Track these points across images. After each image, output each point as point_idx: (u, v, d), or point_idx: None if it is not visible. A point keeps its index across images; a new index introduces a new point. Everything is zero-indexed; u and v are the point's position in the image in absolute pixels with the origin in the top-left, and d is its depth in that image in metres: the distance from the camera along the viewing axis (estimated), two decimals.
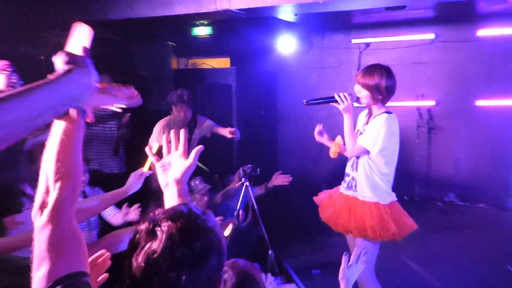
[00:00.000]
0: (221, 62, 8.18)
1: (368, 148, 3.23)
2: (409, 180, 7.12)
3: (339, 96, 3.30)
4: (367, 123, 3.41)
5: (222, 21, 6.27)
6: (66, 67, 1.15)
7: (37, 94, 1.03)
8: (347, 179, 3.50)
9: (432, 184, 7.29)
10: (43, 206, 1.15)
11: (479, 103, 6.75)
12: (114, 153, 5.23)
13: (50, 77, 1.10)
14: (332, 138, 7.19)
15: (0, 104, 0.96)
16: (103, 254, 1.83)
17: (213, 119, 6.65)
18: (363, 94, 3.27)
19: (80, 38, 1.29)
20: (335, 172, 7.18)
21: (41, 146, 3.61)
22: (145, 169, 2.97)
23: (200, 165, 6.09)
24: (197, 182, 4.81)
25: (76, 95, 1.15)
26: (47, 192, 1.16)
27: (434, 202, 7.08)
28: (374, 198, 3.30)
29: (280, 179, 5.35)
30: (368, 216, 3.26)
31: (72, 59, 1.18)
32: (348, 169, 3.52)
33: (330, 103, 3.36)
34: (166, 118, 5.18)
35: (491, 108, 6.74)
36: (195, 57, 7.98)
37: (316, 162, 7.59)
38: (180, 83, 6.64)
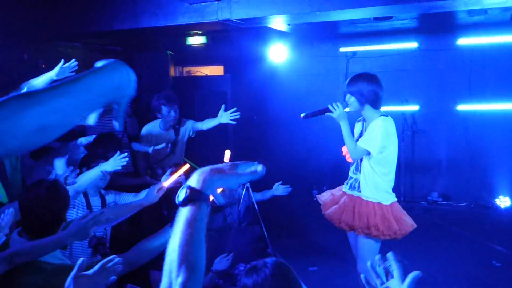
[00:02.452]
0: (214, 70, 8.37)
1: (368, 148, 3.42)
2: (395, 181, 7.36)
3: (331, 106, 3.48)
4: (365, 129, 3.62)
5: (216, 30, 6.49)
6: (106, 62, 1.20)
7: (86, 79, 1.07)
8: (349, 181, 3.66)
9: (416, 184, 7.61)
10: None
11: (461, 107, 7.13)
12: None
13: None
14: (320, 143, 7.49)
15: (51, 91, 1.02)
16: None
17: None
18: (351, 100, 3.48)
19: None
20: (324, 173, 7.49)
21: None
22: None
23: (196, 167, 6.27)
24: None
25: (118, 82, 1.17)
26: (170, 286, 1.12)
27: (418, 202, 7.39)
28: (377, 198, 3.49)
29: (280, 189, 5.41)
30: (372, 215, 3.44)
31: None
32: (351, 173, 3.69)
33: (325, 113, 3.52)
34: (152, 123, 5.24)
35: (471, 112, 7.12)
36: (189, 65, 8.15)
37: (306, 164, 7.82)
38: (178, 90, 6.84)
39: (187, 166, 3.28)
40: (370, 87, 3.44)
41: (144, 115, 5.73)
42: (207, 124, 5.07)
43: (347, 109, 3.54)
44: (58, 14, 5.60)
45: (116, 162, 3.53)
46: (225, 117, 4.83)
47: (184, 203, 1.17)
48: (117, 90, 1.18)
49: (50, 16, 5.60)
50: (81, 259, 1.78)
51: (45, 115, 0.97)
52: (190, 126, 5.25)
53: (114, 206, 3.52)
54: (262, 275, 1.80)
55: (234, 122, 4.88)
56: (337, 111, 3.44)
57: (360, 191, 3.54)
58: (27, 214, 2.32)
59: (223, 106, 4.85)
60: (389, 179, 3.55)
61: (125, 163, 3.56)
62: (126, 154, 3.63)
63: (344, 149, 3.78)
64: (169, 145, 5.19)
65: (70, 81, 1.06)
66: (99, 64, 1.18)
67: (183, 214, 1.17)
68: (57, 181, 2.43)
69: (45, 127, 0.98)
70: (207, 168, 1.24)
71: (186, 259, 1.09)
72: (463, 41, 6.99)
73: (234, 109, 4.83)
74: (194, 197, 1.17)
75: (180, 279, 1.06)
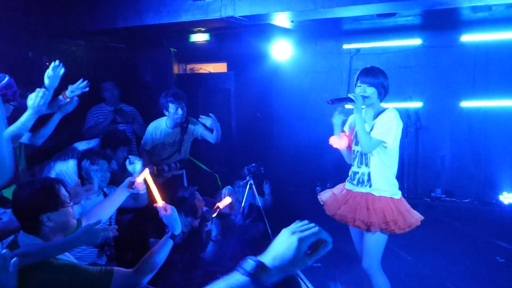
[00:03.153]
0: (217, 67, 8.40)
1: (385, 140, 3.39)
2: (398, 177, 7.31)
3: (354, 96, 3.41)
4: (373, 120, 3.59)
5: (220, 27, 6.50)
6: None
7: None
8: (356, 176, 3.62)
9: (420, 181, 7.62)
10: None
11: (464, 104, 7.13)
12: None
13: None
14: (323, 139, 7.46)
15: None
16: None
17: None
18: (370, 91, 3.43)
19: None
20: (327, 170, 7.50)
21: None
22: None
23: (202, 166, 6.30)
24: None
25: None
26: None
27: (422, 198, 7.41)
28: (389, 192, 3.49)
29: None
30: (388, 210, 3.42)
31: None
32: (355, 168, 3.65)
33: (348, 102, 3.47)
34: (158, 120, 5.19)
35: (475, 108, 7.12)
36: (193, 63, 8.17)
37: (310, 160, 7.83)
38: (182, 88, 6.86)
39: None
40: (387, 82, 3.48)
41: (149, 112, 5.76)
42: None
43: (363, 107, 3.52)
44: (62, 11, 5.61)
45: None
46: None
47: (246, 274, 1.16)
48: None
49: (54, 13, 5.61)
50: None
51: None
52: (200, 130, 5.26)
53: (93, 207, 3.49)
54: None
55: None
56: (358, 102, 3.42)
57: (371, 186, 3.52)
58: (14, 210, 2.34)
59: None
60: (394, 171, 3.56)
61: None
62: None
63: (332, 139, 3.77)
64: (176, 143, 5.20)
65: None
66: None
67: (236, 281, 1.16)
68: (49, 181, 2.40)
69: None
70: (287, 256, 1.21)
71: None
72: (467, 38, 6.97)
73: None
74: (254, 282, 1.15)
75: None
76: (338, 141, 3.76)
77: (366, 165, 3.54)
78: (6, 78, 3.47)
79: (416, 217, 3.55)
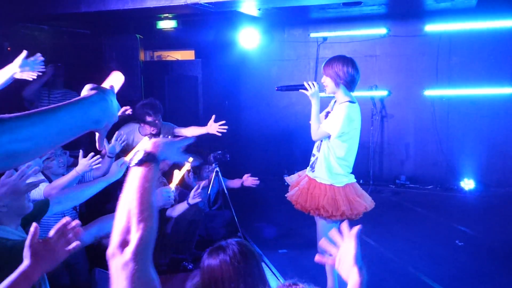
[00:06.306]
0: (185, 55, 8.33)
1: (328, 131, 3.50)
2: (365, 165, 7.56)
3: (308, 84, 3.51)
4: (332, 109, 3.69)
5: (187, 14, 6.43)
6: (88, 93, 1.23)
7: (60, 113, 1.07)
8: (312, 159, 3.73)
9: (385, 168, 7.78)
10: (124, 244, 1.15)
11: (428, 93, 7.28)
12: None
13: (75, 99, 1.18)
14: (291, 127, 7.48)
15: (24, 119, 1.00)
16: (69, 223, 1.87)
17: (181, 109, 6.79)
18: (327, 81, 3.52)
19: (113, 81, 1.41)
20: (295, 158, 7.57)
21: None
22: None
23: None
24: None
25: (96, 117, 1.19)
26: (127, 232, 1.17)
27: (387, 185, 7.57)
28: (328, 180, 3.57)
29: (249, 181, 5.45)
30: (322, 196, 3.53)
31: (95, 87, 1.26)
32: (314, 150, 3.75)
33: (299, 90, 3.55)
34: (131, 126, 5.13)
35: (438, 97, 7.28)
36: (160, 50, 8.08)
37: (277, 148, 7.89)
38: (149, 75, 6.78)
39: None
40: (345, 68, 3.49)
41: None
42: (192, 131, 5.09)
43: (322, 94, 3.57)
44: None
45: (88, 162, 3.55)
46: (213, 127, 4.89)
47: (140, 163, 1.30)
48: (94, 124, 1.19)
49: None
50: (34, 224, 1.74)
51: (15, 142, 0.95)
52: (171, 132, 5.24)
53: (77, 185, 3.48)
54: (230, 253, 1.83)
55: (220, 134, 4.89)
56: (312, 90, 3.48)
57: (314, 172, 3.62)
58: None
59: (213, 116, 4.89)
60: (346, 164, 3.61)
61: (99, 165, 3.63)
62: (98, 156, 3.62)
63: None
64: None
65: (46, 111, 1.05)
66: (83, 92, 1.23)
67: (139, 172, 1.29)
68: None
69: (14, 154, 0.96)
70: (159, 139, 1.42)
71: (144, 217, 1.18)
72: (431, 28, 7.10)
73: (223, 122, 4.86)
74: (150, 159, 1.31)
75: (138, 234, 1.16)
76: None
77: (318, 150, 3.64)
78: None
79: (358, 206, 3.59)
